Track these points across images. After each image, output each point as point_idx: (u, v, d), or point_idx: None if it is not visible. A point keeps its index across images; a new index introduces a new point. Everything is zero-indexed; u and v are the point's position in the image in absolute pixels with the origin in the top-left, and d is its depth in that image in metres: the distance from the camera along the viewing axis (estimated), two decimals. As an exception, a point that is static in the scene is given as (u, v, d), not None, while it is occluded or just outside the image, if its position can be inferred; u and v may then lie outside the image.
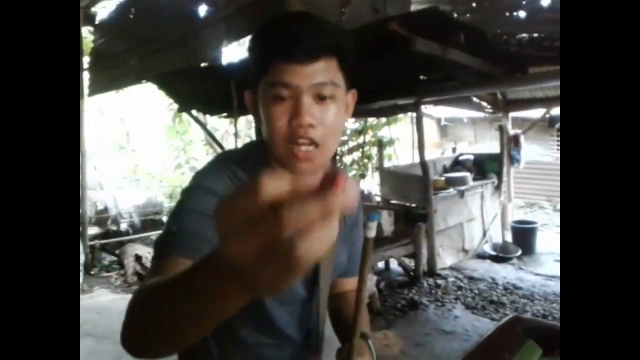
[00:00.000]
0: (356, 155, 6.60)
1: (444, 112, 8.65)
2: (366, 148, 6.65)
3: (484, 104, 5.95)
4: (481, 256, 5.22)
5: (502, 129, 5.87)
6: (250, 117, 6.55)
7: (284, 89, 0.72)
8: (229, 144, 6.50)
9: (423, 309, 3.81)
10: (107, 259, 5.33)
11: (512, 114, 6.15)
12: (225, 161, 0.85)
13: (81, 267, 4.54)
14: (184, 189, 0.83)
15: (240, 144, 6.58)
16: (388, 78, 3.80)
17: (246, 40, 4.36)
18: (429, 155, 6.61)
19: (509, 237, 5.67)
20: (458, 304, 3.90)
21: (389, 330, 3.42)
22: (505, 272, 4.70)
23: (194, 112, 5.12)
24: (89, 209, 5.28)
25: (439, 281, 4.40)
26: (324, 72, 0.72)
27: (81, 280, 4.50)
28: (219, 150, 7.22)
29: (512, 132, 6.11)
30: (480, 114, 7.53)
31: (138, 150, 8.97)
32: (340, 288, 1.03)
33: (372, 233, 0.78)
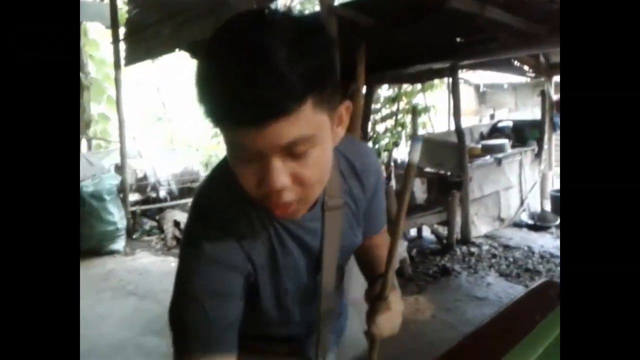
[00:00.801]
0: (389, 123, 6.47)
1: (483, 78, 8.31)
2: (400, 116, 6.51)
3: (526, 67, 5.66)
4: (518, 225, 5.10)
5: (544, 94, 5.60)
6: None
7: (245, 153, 0.59)
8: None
9: (455, 275, 3.79)
10: (148, 224, 5.57)
11: (555, 78, 5.84)
12: (214, 218, 0.73)
13: (124, 232, 4.76)
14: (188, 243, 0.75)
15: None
16: (423, 42, 3.67)
17: (275, 5, 4.30)
18: (466, 123, 6.41)
19: (548, 206, 5.50)
20: (492, 272, 3.85)
21: (420, 295, 3.44)
22: (542, 241, 4.58)
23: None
24: (129, 177, 5.48)
25: (473, 249, 4.34)
26: (291, 127, 0.56)
27: (124, 244, 4.73)
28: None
29: (555, 97, 5.82)
30: (522, 80, 7.19)
31: (174, 120, 9.17)
32: (373, 241, 1.01)
33: (415, 157, 0.68)
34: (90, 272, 4.16)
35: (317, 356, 0.94)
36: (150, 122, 9.25)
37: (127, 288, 3.79)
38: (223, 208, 0.73)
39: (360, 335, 0.95)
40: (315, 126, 0.59)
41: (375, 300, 0.86)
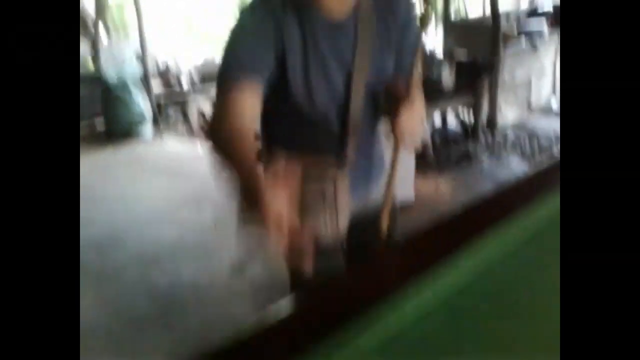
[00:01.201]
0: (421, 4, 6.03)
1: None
2: (431, -1, 6.03)
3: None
4: (547, 111, 4.93)
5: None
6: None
7: None
8: None
9: (477, 160, 3.79)
10: (173, 113, 5.64)
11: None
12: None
13: (150, 120, 4.85)
14: (242, 10, 0.96)
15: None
16: None
17: None
18: (504, 7, 5.92)
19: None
20: (515, 157, 3.83)
21: (440, 178, 3.48)
22: (571, 129, 4.46)
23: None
24: (151, 67, 5.42)
25: (498, 135, 4.28)
26: None
27: (151, 130, 4.85)
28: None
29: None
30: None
31: (191, 6, 8.79)
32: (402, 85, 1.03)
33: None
34: (121, 156, 4.34)
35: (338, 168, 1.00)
36: (166, 6, 8.89)
37: (157, 168, 3.96)
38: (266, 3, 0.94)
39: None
40: None
41: (399, 99, 0.92)
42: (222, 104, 0.90)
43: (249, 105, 0.89)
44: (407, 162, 3.01)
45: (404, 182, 3.03)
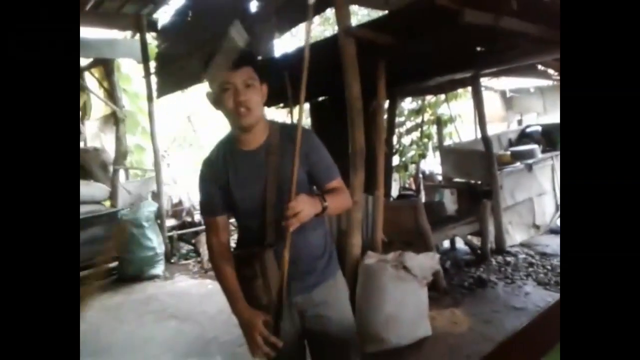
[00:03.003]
0: (415, 135, 6.48)
1: (509, 83, 8.18)
2: (425, 127, 6.51)
3: (551, 71, 5.58)
4: (555, 231, 4.97)
5: (572, 96, 5.49)
6: (305, 107, 6.66)
7: (227, 85, 1.40)
8: (289, 134, 6.65)
9: (492, 286, 3.73)
10: (185, 248, 5.74)
11: (583, 79, 5.72)
12: (212, 152, 1.58)
13: (162, 257, 4.93)
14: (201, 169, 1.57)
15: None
16: (442, 54, 3.71)
17: (296, 31, 4.41)
18: (493, 130, 6.32)
19: (585, 211, 5.33)
20: (529, 281, 3.77)
21: (456, 308, 3.40)
22: (581, 247, 4.45)
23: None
24: (165, 203, 5.69)
25: (509, 258, 4.26)
26: (246, 72, 1.41)
27: (163, 268, 4.90)
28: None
29: (584, 98, 5.69)
30: (549, 82, 7.06)
31: (205, 146, 9.45)
32: (331, 189, 1.52)
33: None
34: (132, 297, 4.33)
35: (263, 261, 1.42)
36: (182, 149, 9.57)
37: (168, 311, 3.92)
38: (212, 154, 1.57)
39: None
40: (254, 77, 1.43)
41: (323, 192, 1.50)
42: (206, 230, 1.61)
43: (220, 227, 1.54)
44: (419, 296, 2.99)
45: (419, 317, 2.97)
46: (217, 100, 1.44)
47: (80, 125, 6.11)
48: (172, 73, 5.04)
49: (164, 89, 5.35)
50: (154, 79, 5.39)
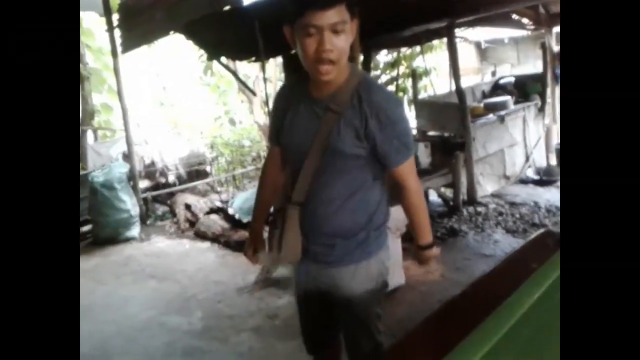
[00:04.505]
0: (390, 88, 6.43)
1: (484, 34, 8.13)
2: (400, 80, 6.45)
3: (525, 20, 5.55)
4: (524, 181, 5.12)
5: (544, 47, 5.50)
6: (279, 61, 6.47)
7: (312, 29, 1.15)
8: (261, 90, 6.50)
9: (463, 235, 3.86)
10: (160, 209, 5.68)
11: (556, 30, 5.72)
12: (287, 82, 1.73)
13: (137, 219, 4.88)
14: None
15: (270, 89, 6.56)
16: (417, 1, 3.62)
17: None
18: (468, 82, 6.33)
19: (553, 160, 5.49)
20: (499, 229, 3.91)
21: (429, 257, 3.51)
22: (548, 195, 4.61)
23: (223, 59, 5.12)
24: (137, 164, 5.56)
25: (479, 209, 4.39)
26: (337, 14, 1.14)
27: (138, 230, 4.85)
28: (252, 98, 7.25)
29: (556, 48, 5.72)
30: (523, 33, 7.03)
31: (176, 104, 9.18)
32: (393, 177, 1.35)
33: None
34: (109, 259, 4.30)
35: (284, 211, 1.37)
36: (152, 107, 9.28)
37: (146, 271, 3.92)
38: (287, 83, 1.62)
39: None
40: (345, 18, 1.16)
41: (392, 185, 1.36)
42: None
43: (274, 157, 1.51)
44: (394, 246, 3.06)
45: (393, 266, 3.06)
46: (296, 39, 1.20)
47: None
48: (137, 26, 4.78)
49: (129, 44, 5.08)
50: (118, 33, 5.11)
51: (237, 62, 6.34)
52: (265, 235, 1.56)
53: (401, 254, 3.15)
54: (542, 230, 1.77)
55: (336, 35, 1.15)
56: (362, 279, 1.38)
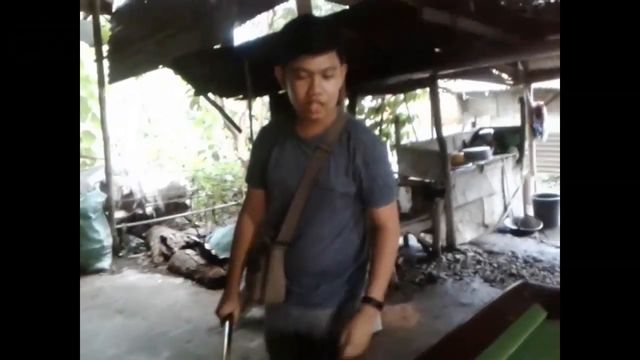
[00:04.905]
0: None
1: (465, 86, 8.47)
2: (384, 126, 6.59)
3: (505, 75, 5.80)
4: (502, 231, 5.18)
5: (522, 101, 5.73)
6: (265, 100, 6.57)
7: (304, 72, 1.17)
8: (247, 127, 6.55)
9: (441, 282, 3.84)
10: (135, 241, 5.53)
11: (534, 85, 5.98)
12: (270, 123, 1.67)
13: (110, 250, 4.73)
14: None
15: (256, 126, 6.61)
16: (402, 52, 3.76)
17: (257, 20, 4.35)
18: (449, 131, 6.50)
19: (531, 211, 5.59)
20: (477, 278, 3.90)
21: (406, 304, 3.47)
22: (526, 246, 4.66)
23: (210, 95, 5.18)
24: (115, 194, 5.45)
25: (458, 256, 4.39)
26: (327, 60, 1.17)
27: (110, 262, 4.69)
28: (237, 134, 7.27)
29: (534, 103, 5.95)
30: (503, 87, 7.34)
31: (160, 136, 9.16)
32: (373, 219, 1.33)
33: None
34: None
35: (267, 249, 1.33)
36: (136, 138, 9.22)
37: (114, 306, 3.76)
38: (270, 124, 1.61)
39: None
40: (335, 65, 1.19)
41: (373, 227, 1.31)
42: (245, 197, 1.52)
43: (252, 200, 1.45)
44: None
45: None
46: (286, 80, 1.23)
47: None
48: (126, 58, 4.82)
49: (116, 75, 5.11)
50: (106, 64, 5.14)
51: (224, 99, 6.41)
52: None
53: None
54: (518, 282, 1.77)
55: (326, 80, 1.18)
56: (342, 324, 1.30)
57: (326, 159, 1.26)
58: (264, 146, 1.38)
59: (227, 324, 1.44)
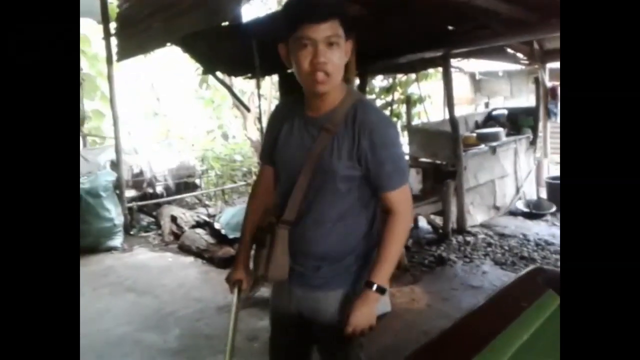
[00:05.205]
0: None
1: (478, 66, 8.28)
2: (395, 106, 6.50)
3: (520, 55, 5.64)
4: (514, 213, 5.12)
5: (538, 82, 5.59)
6: (274, 79, 6.49)
7: (307, 40, 1.15)
8: (255, 106, 6.50)
9: (451, 265, 3.81)
10: (145, 220, 5.57)
11: (549, 65, 5.82)
12: (282, 101, 1.96)
13: (121, 228, 4.77)
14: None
15: (265, 106, 6.54)
16: (414, 31, 3.66)
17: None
18: (461, 112, 6.38)
19: (543, 194, 5.51)
20: (487, 260, 3.87)
21: (415, 285, 3.46)
22: (537, 229, 4.61)
23: (219, 74, 5.12)
24: (125, 173, 5.47)
25: (469, 238, 4.36)
26: (330, 28, 1.15)
27: (121, 240, 4.74)
28: (246, 113, 7.23)
29: (549, 84, 5.81)
30: (517, 67, 7.16)
31: (169, 115, 9.14)
32: (384, 203, 1.30)
33: None
34: (89, 268, 4.18)
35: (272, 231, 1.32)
36: (145, 117, 9.22)
37: (125, 284, 3.80)
38: (284, 102, 1.79)
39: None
40: (339, 33, 1.17)
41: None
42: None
43: (263, 176, 1.48)
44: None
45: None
46: (290, 55, 1.21)
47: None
48: (134, 35, 4.77)
49: (125, 52, 5.06)
50: (114, 41, 5.09)
51: (233, 78, 6.34)
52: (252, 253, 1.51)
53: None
54: (532, 267, 1.73)
55: (330, 49, 1.16)
56: (343, 307, 1.33)
57: (330, 140, 1.24)
58: (276, 124, 1.38)
59: (236, 290, 1.49)
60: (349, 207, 1.29)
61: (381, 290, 1.25)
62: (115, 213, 4.70)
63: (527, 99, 7.57)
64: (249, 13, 6.47)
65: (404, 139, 6.00)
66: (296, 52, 1.17)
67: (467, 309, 3.01)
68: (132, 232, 5.14)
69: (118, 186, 5.12)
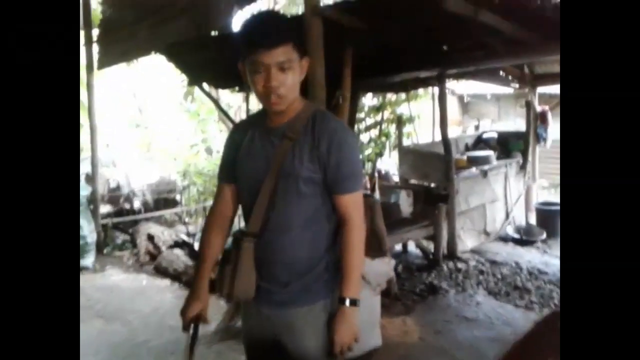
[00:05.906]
0: (374, 132, 6.33)
1: (467, 88, 8.30)
2: (384, 125, 6.38)
3: (511, 78, 5.61)
4: (504, 239, 5.00)
5: (529, 105, 5.56)
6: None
7: (260, 66, 1.20)
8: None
9: (443, 294, 3.63)
10: (120, 237, 5.27)
11: (539, 90, 5.81)
12: (245, 118, 1.78)
13: (93, 247, 4.47)
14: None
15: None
16: (411, 48, 3.54)
17: (258, 6, 4.12)
18: (450, 133, 6.31)
19: (533, 219, 5.42)
20: (480, 289, 3.71)
21: (407, 316, 3.26)
22: (529, 256, 4.48)
23: (205, 86, 4.92)
24: (101, 187, 5.19)
25: (460, 265, 4.20)
26: (283, 54, 1.20)
27: (93, 259, 4.44)
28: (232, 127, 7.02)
29: (539, 108, 5.78)
30: (505, 90, 7.17)
31: (152, 127, 8.85)
32: (338, 208, 1.31)
33: None
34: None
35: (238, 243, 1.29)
36: (126, 128, 8.91)
37: (94, 308, 3.51)
38: (245, 119, 1.69)
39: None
40: (292, 57, 1.22)
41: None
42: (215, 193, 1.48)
43: (222, 195, 1.43)
44: (372, 303, 2.80)
45: (371, 325, 2.79)
46: (246, 76, 1.26)
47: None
48: (117, 42, 4.55)
49: (106, 60, 4.83)
50: (95, 48, 4.86)
51: (220, 90, 6.15)
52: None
53: (379, 313, 2.89)
54: (550, 312, 1.57)
55: (283, 72, 1.21)
56: (319, 323, 1.29)
57: (290, 146, 1.28)
58: (236, 139, 1.41)
59: (192, 327, 1.35)
60: (314, 213, 1.29)
61: (354, 303, 1.28)
62: (87, 230, 4.41)
63: (514, 122, 7.56)
64: (240, 21, 6.32)
65: (393, 160, 5.88)
66: (251, 74, 1.23)
67: (463, 343, 2.83)
68: (105, 251, 4.84)
69: (92, 201, 4.84)
